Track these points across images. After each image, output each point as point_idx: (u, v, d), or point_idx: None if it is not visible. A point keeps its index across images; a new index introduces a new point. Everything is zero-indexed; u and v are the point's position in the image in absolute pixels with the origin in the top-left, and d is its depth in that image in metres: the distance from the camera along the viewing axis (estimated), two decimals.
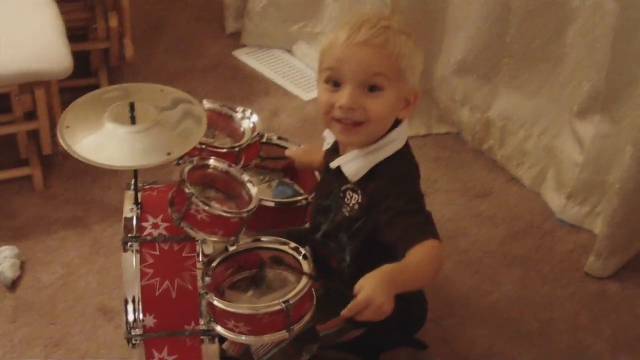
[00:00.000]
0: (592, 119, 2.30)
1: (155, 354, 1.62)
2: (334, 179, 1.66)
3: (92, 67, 2.84)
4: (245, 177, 1.66)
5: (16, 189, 2.43)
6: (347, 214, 1.62)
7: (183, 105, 1.65)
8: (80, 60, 2.81)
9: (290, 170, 1.98)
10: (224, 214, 1.56)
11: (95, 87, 2.58)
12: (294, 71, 3.04)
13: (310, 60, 3.02)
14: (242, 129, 1.83)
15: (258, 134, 1.85)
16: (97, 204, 2.39)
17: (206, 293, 1.52)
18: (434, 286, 2.19)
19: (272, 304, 1.49)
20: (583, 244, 2.37)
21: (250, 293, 1.60)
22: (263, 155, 1.93)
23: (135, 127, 1.55)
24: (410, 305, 1.69)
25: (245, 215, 1.58)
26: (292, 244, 1.62)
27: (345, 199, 1.62)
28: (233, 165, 1.67)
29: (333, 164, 1.66)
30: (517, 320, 2.13)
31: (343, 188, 1.64)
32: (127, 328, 1.60)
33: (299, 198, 1.88)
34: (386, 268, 1.43)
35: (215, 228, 1.57)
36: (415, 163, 1.65)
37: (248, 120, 1.85)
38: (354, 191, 1.61)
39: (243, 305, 1.51)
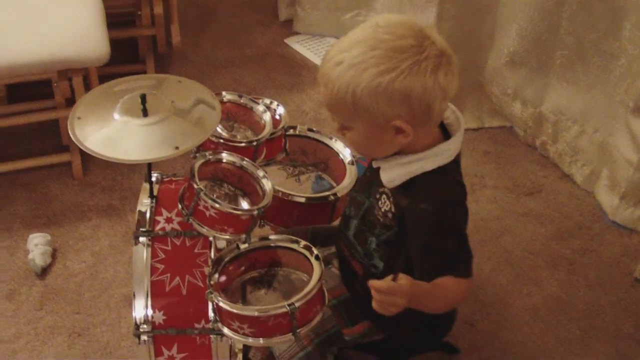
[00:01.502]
0: None
1: (165, 351, 1.60)
2: (375, 178, 1.57)
3: (140, 54, 2.83)
4: (260, 172, 1.60)
5: (56, 175, 2.43)
6: (380, 218, 1.54)
7: (201, 105, 1.60)
8: (129, 46, 2.82)
9: (321, 164, 1.92)
10: (234, 211, 1.51)
11: (142, 73, 2.57)
12: None
13: None
14: (262, 122, 1.76)
15: (283, 127, 1.78)
16: (133, 193, 2.37)
17: (211, 292, 1.47)
18: (471, 287, 2.12)
19: (277, 306, 1.44)
20: (635, 248, 2.25)
21: (262, 292, 1.56)
22: (294, 149, 1.87)
23: (143, 120, 1.50)
24: None
25: (255, 212, 1.52)
26: (303, 243, 1.56)
27: (379, 202, 1.54)
28: (246, 159, 1.62)
29: (375, 164, 1.57)
30: (556, 326, 2.04)
31: (380, 190, 1.55)
32: (135, 324, 1.57)
33: (328, 193, 1.81)
34: (418, 283, 1.38)
35: (224, 225, 1.52)
36: (460, 184, 1.52)
37: (270, 113, 1.77)
38: (388, 198, 1.51)
39: (247, 307, 1.46)
